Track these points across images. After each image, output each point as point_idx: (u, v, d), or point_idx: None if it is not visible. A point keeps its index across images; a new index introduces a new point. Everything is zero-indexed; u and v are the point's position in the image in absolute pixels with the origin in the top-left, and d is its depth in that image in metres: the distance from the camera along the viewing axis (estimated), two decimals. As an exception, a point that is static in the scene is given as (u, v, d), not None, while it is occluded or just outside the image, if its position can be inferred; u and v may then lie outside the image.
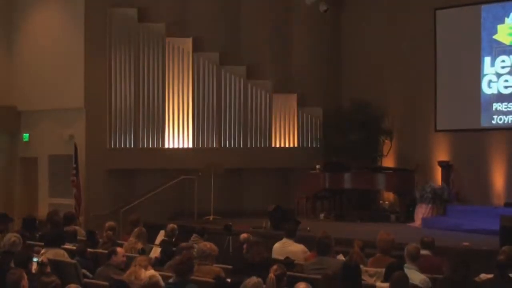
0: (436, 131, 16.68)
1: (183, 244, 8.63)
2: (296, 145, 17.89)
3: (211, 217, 15.86)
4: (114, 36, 16.66)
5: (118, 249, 8.35)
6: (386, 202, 17.08)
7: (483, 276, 7.47)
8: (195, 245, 9.29)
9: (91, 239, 10.32)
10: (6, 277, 6.27)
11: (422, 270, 7.55)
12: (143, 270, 7.44)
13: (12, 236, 8.54)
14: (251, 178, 17.64)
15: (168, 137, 16.95)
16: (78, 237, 10.60)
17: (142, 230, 10.06)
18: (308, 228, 13.34)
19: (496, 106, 15.76)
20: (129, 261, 8.09)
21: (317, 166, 16.57)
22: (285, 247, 9.43)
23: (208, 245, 7.94)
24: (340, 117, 17.51)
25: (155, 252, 9.50)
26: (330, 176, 16.32)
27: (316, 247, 8.39)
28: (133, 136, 16.72)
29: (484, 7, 15.98)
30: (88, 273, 8.39)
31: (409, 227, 14.85)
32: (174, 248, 8.94)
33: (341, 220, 16.01)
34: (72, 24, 16.80)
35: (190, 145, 17.11)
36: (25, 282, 6.25)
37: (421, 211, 15.13)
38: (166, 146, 16.94)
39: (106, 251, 8.70)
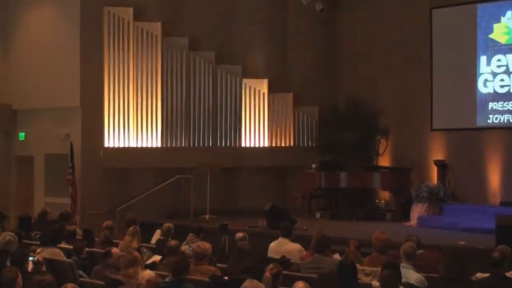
0: (432, 130, 16.69)
1: (172, 243, 8.60)
2: (292, 144, 17.91)
3: (207, 216, 15.86)
4: (109, 35, 16.63)
5: (114, 249, 8.34)
6: (382, 201, 17.09)
7: (479, 275, 7.47)
8: (186, 246, 9.30)
9: (88, 238, 10.30)
10: (1, 276, 6.26)
11: (422, 267, 7.56)
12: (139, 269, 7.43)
13: (7, 235, 8.52)
14: (247, 177, 17.63)
15: (164, 136, 16.93)
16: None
17: (137, 228, 10.06)
18: (304, 227, 13.37)
19: (492, 105, 15.77)
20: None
21: (313, 165, 16.56)
22: (281, 246, 9.44)
23: (202, 245, 7.93)
24: (336, 116, 17.52)
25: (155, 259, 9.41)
26: (326, 175, 16.31)
27: (312, 246, 8.39)
28: (129, 135, 16.70)
29: (479, 6, 15.99)
30: (83, 273, 8.37)
31: (405, 226, 14.84)
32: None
33: (337, 219, 16.00)
34: (68, 22, 16.76)
35: (186, 144, 17.10)
36: (19, 280, 6.23)
37: (417, 210, 15.14)
38: (162, 145, 16.92)
39: (102, 251, 8.69)
